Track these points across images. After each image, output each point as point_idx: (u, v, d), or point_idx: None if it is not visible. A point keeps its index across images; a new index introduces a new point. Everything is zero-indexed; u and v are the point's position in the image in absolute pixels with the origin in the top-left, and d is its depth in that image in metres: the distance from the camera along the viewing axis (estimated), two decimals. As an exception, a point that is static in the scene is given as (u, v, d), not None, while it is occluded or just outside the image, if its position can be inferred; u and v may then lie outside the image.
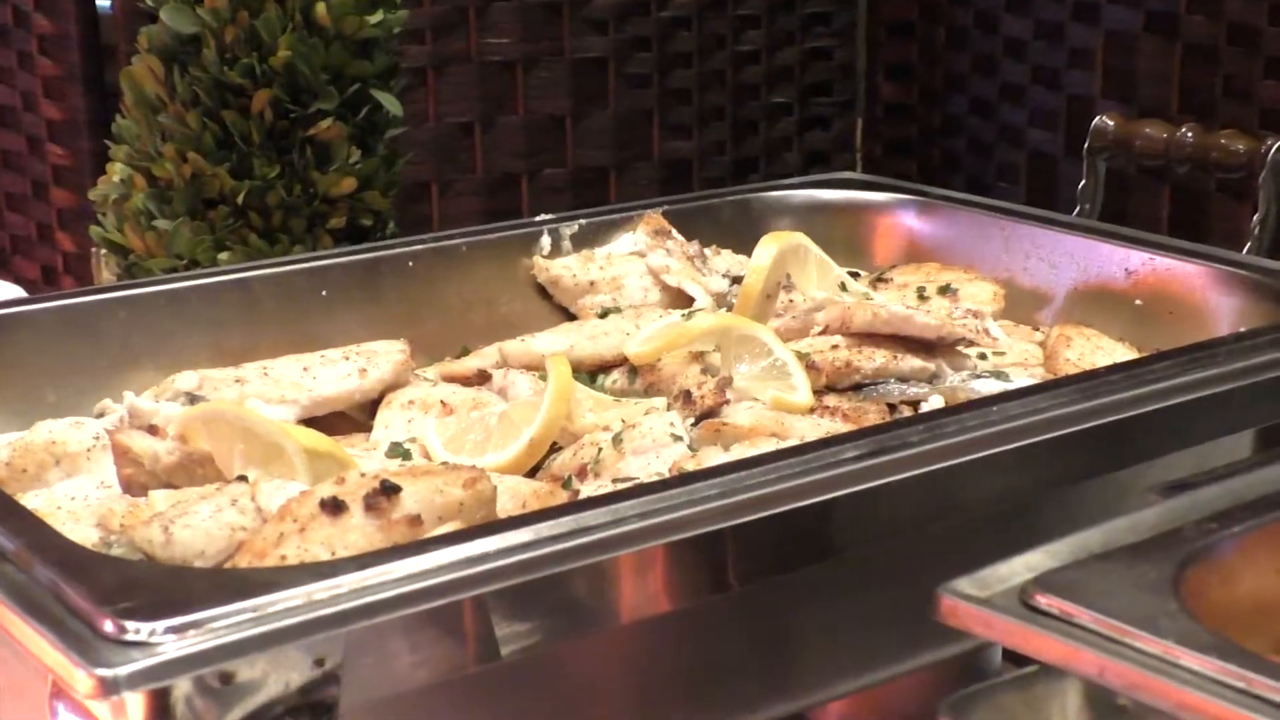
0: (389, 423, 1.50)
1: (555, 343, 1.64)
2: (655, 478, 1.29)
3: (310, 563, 1.06)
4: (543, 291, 1.85)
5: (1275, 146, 2.01)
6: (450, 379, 1.63)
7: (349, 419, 1.58)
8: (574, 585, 1.04)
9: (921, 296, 1.79)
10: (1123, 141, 2.13)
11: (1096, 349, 1.62)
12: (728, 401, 1.45)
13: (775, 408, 1.45)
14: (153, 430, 1.38)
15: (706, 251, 1.91)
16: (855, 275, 1.84)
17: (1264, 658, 0.82)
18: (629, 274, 1.84)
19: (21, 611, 0.94)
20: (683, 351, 1.56)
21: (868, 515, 1.16)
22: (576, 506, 1.08)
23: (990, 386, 1.53)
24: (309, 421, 1.49)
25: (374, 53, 1.98)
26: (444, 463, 1.34)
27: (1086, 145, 2.16)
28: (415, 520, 1.10)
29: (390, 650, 0.97)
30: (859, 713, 1.40)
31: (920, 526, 1.20)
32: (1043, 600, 0.90)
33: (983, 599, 0.91)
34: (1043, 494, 1.28)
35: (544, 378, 1.50)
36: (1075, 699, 0.92)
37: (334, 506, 1.09)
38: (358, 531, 1.08)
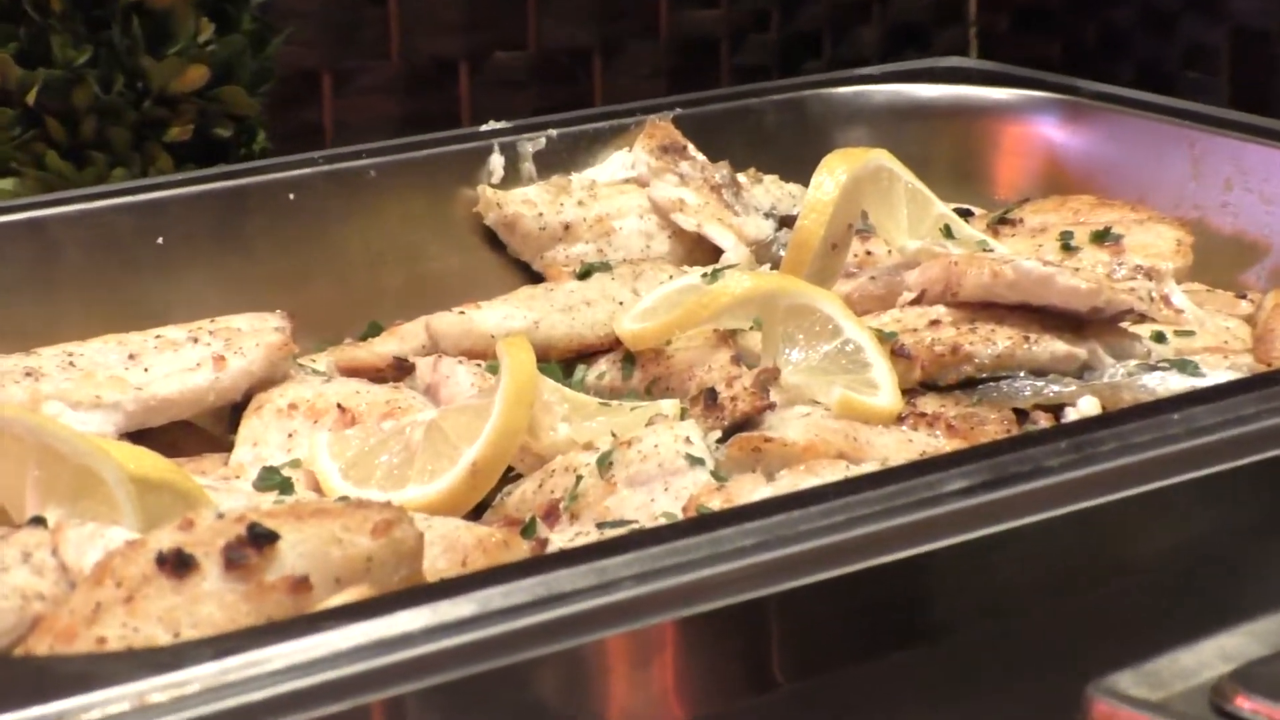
0: (259, 437, 1.52)
1: (511, 317, 1.65)
2: (663, 521, 1.30)
3: (143, 648, 1.07)
4: (493, 239, 1.86)
5: None
6: (351, 371, 1.63)
7: (198, 432, 1.59)
8: (539, 682, 1.05)
9: (1067, 247, 1.80)
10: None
11: (1332, 327, 1.61)
12: (772, 406, 1.46)
13: (844, 414, 1.46)
14: (-99, 449, 1.36)
15: (741, 178, 1.92)
16: (967, 214, 1.84)
17: None
18: (623, 212, 1.85)
19: None
20: (704, 330, 1.57)
21: (983, 578, 1.18)
22: (544, 564, 1.10)
23: (1171, 383, 1.54)
24: (138, 435, 1.50)
25: (234, -125, 2.00)
26: (343, 498, 1.35)
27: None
28: (301, 584, 1.12)
29: (263, 779, 0.97)
30: None
31: (1062, 595, 1.22)
32: (1246, 705, 0.92)
33: (1155, 702, 0.93)
34: (1246, 546, 1.30)
35: (494, 369, 1.51)
36: None
37: (178, 564, 1.11)
38: (214, 601, 1.10)
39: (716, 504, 1.31)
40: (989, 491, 1.18)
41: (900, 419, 1.48)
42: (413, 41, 2.95)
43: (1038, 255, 1.70)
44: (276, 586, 1.11)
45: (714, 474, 1.38)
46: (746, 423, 1.45)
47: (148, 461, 1.32)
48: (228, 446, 1.54)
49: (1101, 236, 1.80)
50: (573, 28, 3.04)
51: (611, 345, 1.64)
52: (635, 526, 1.31)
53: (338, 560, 1.14)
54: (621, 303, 1.67)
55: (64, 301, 1.63)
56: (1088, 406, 1.52)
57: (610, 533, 1.30)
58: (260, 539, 1.12)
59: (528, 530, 1.36)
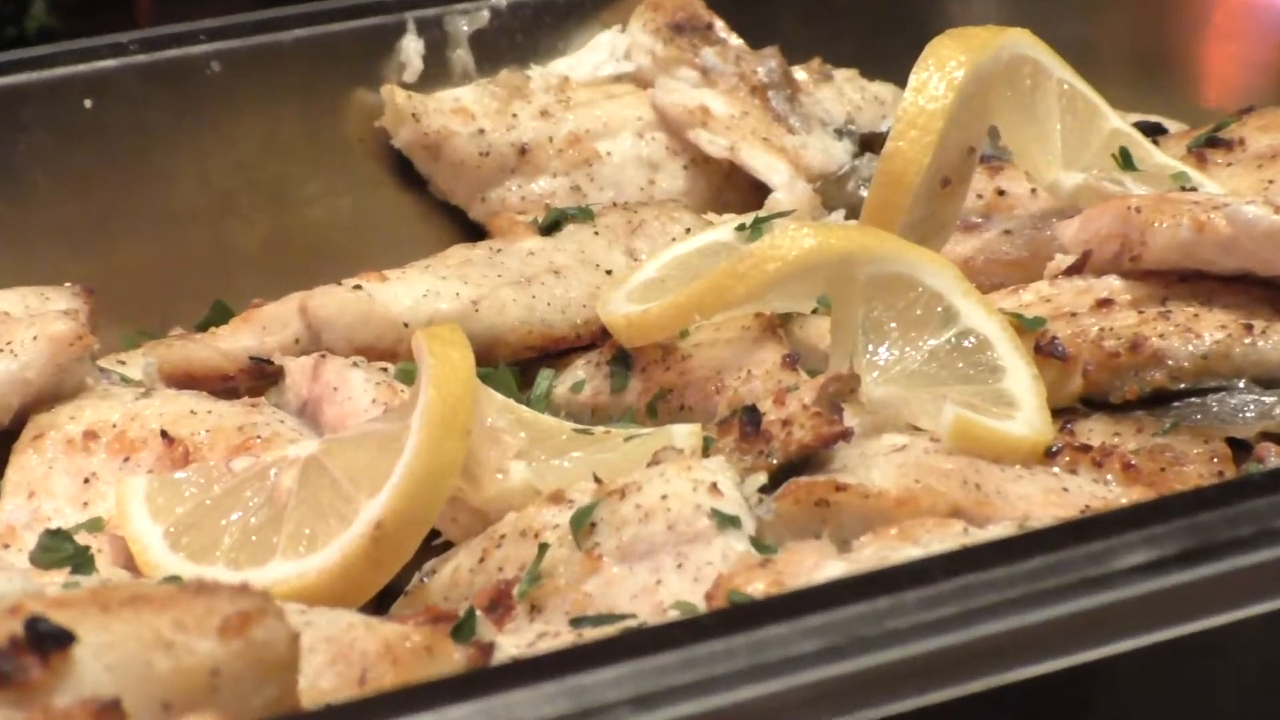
0: (38, 484, 1.40)
1: (436, 293, 1.55)
2: (675, 615, 1.22)
3: None
4: (406, 170, 1.80)
5: None
6: (184, 378, 1.55)
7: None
8: None
9: (1310, 186, 1.84)
10: None
11: None
12: (848, 434, 1.36)
13: (960, 448, 1.36)
14: None
15: (799, 74, 1.83)
16: (1155, 133, 1.76)
17: None
18: (613, 127, 1.76)
19: None
20: (741, 315, 1.48)
21: (1176, 698, 1.12)
22: (489, 682, 1.02)
23: None
24: None
25: None
26: (173, 578, 1.27)
27: None
28: (108, 711, 1.02)
29: None
30: None
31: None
32: None
33: None
34: None
35: (408, 376, 1.45)
36: None
37: (-87, 682, 1.15)
38: (-30, 738, 1.14)
39: (759, 588, 1.18)
40: (1187, 568, 1.07)
41: (1050, 455, 1.36)
42: None
43: (1266, 196, 1.56)
44: (71, 715, 1.00)
45: (755, 541, 1.28)
46: (807, 461, 1.35)
47: None
48: (-6, 497, 1.56)
49: (1364, 170, 1.82)
50: None
51: (594, 338, 1.56)
52: (632, 623, 1.20)
53: (166, 674, 1.02)
54: (610, 271, 1.58)
55: None
56: (1342, 438, 1.52)
57: (592, 633, 1.20)
58: (45, 642, 1.01)
59: (463, 629, 1.23)
